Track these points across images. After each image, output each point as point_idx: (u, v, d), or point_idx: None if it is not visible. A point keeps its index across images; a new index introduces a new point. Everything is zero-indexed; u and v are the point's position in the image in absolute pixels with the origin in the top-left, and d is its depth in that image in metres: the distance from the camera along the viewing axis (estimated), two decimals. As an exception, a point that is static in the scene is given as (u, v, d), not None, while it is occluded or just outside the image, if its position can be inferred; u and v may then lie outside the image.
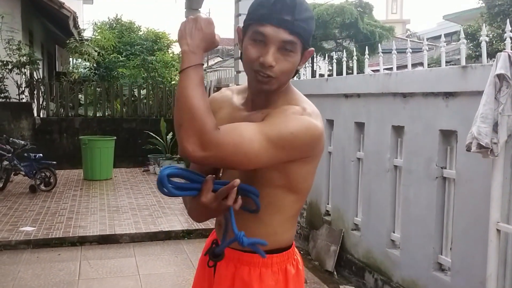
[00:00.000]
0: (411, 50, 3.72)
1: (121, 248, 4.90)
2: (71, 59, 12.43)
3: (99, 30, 13.46)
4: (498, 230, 2.66)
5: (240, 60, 1.62)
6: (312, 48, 1.41)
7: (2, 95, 8.48)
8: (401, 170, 3.67)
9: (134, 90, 10.39)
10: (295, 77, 1.56)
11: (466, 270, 2.99)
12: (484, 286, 2.70)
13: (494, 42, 12.24)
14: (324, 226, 4.75)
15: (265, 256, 1.35)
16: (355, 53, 4.66)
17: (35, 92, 9.11)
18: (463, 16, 19.36)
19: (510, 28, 2.77)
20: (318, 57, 14.29)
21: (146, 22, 75.69)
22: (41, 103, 9.20)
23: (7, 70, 8.35)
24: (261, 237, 1.35)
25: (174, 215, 5.83)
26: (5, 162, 6.80)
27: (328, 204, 4.85)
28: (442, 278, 3.20)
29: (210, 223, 1.59)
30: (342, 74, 4.63)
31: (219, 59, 29.52)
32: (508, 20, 2.82)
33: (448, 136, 3.21)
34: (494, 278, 2.65)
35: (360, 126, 4.26)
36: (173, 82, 12.64)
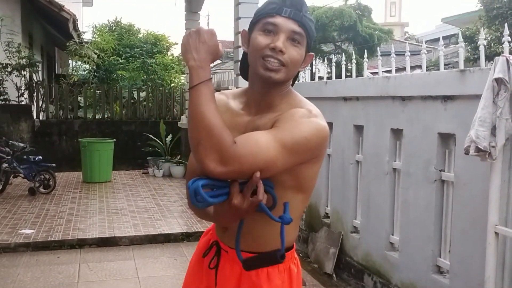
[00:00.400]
0: (409, 53, 3.74)
1: (120, 250, 4.90)
2: (70, 61, 12.42)
3: (98, 33, 13.45)
4: (496, 233, 2.67)
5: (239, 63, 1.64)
6: (313, 53, 1.45)
7: (2, 97, 8.48)
8: (400, 173, 3.68)
9: (134, 92, 10.39)
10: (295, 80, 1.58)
11: (464, 273, 2.99)
12: (482, 289, 2.71)
13: (492, 44, 12.27)
14: (323, 228, 4.75)
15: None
16: (354, 56, 4.67)
17: (35, 94, 9.10)
18: (461, 19, 19.40)
19: (508, 32, 2.79)
20: (317, 59, 14.28)
21: (145, 25, 75.79)
22: (40, 105, 9.19)
23: (6, 73, 8.35)
24: (269, 237, 1.39)
25: (173, 217, 5.84)
26: (4, 165, 6.78)
27: (327, 206, 4.86)
28: (440, 281, 3.21)
29: (209, 225, 1.60)
30: (341, 77, 4.65)
31: (219, 61, 29.45)
32: (506, 23, 2.84)
33: (446, 139, 3.23)
34: (492, 280, 2.66)
35: (359, 129, 4.27)
36: (172, 85, 12.66)
